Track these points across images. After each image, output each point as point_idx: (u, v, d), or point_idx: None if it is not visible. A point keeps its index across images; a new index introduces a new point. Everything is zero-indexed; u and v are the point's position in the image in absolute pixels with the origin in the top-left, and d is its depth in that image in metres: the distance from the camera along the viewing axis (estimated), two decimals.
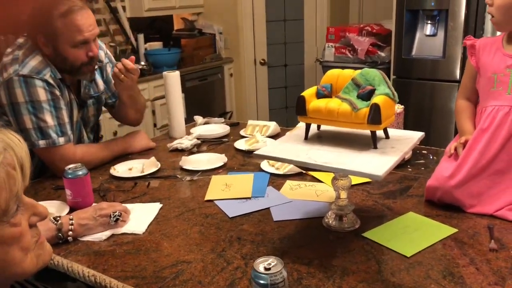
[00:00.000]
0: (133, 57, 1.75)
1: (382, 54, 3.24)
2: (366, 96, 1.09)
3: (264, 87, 4.49)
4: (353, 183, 1.41)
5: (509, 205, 1.21)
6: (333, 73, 1.21)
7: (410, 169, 1.58)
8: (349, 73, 1.18)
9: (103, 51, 1.80)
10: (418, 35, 3.15)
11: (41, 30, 1.53)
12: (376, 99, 1.07)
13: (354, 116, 1.08)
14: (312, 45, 4.30)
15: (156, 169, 1.63)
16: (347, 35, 3.34)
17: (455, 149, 1.33)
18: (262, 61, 4.37)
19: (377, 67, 3.22)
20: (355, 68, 1.21)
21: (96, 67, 1.73)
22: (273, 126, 1.97)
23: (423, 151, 1.74)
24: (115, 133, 3.16)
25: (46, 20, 1.50)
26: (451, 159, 1.32)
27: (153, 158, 1.66)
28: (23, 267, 0.65)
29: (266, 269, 0.84)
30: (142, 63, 3.63)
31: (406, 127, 1.76)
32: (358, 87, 1.13)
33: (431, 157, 1.69)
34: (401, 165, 1.59)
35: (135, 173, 1.61)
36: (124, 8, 3.78)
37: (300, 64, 4.43)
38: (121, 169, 1.64)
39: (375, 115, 1.05)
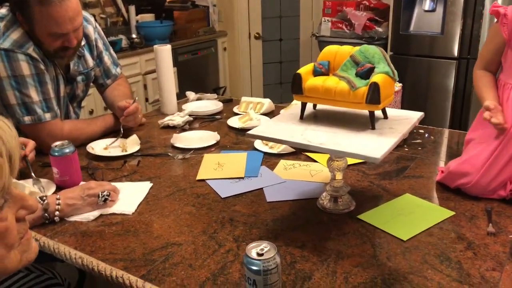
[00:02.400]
0: (127, 105, 1.67)
1: (380, 30, 3.17)
2: (365, 74, 1.05)
3: (259, 62, 4.41)
4: (348, 163, 1.38)
5: None
6: (330, 50, 1.16)
7: (406, 149, 1.55)
8: (347, 49, 1.13)
9: (91, 25, 1.73)
10: (416, 10, 3.07)
11: (19, 10, 1.45)
12: (376, 77, 1.02)
13: (352, 95, 1.04)
14: (308, 19, 4.21)
15: (138, 147, 1.58)
16: (344, 10, 3.26)
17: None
18: (257, 35, 4.28)
19: (374, 43, 3.16)
20: (352, 44, 1.17)
21: (83, 43, 1.66)
22: (267, 103, 1.92)
23: (420, 130, 1.71)
24: (105, 108, 3.09)
25: (24, 2, 1.41)
26: (483, 149, 1.23)
27: (134, 136, 1.61)
28: (5, 265, 0.60)
29: (258, 254, 0.81)
30: (134, 35, 3.54)
31: (403, 105, 1.72)
32: (357, 65, 1.09)
33: (427, 136, 1.65)
34: (397, 145, 1.56)
35: (115, 152, 1.55)
36: None
37: (296, 38, 4.35)
38: (97, 148, 1.58)
39: (374, 95, 1.00)
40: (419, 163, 1.44)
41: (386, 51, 3.15)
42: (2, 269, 0.60)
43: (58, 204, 1.15)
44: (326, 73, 1.13)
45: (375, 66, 1.06)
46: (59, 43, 1.48)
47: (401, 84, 1.63)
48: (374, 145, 0.98)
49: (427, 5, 2.99)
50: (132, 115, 1.67)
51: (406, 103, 2.15)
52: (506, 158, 1.17)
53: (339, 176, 1.17)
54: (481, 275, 0.92)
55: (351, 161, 1.39)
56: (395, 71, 1.07)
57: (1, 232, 0.58)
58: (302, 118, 1.15)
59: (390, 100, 1.08)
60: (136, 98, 1.74)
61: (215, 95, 2.17)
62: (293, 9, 4.23)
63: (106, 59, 1.80)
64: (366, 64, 1.07)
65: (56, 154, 1.29)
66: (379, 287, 0.90)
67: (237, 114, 1.91)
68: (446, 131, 1.78)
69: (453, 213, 1.15)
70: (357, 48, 1.12)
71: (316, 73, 1.12)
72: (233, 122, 1.80)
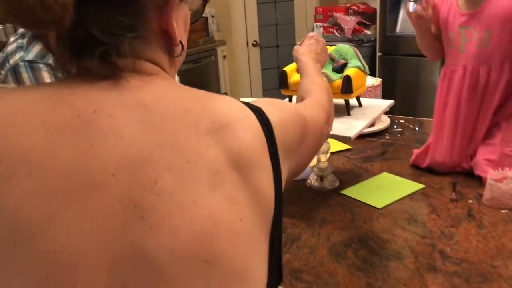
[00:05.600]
0: None
1: (368, 32, 3.36)
2: (340, 69, 1.24)
3: (257, 68, 4.61)
4: (335, 150, 1.58)
5: (485, 159, 1.31)
6: None
7: (387, 137, 1.74)
8: None
9: None
10: (401, 12, 3.27)
11: None
12: (348, 71, 1.21)
13: (330, 87, 1.22)
14: (302, 26, 4.41)
15: None
16: (334, 15, 3.46)
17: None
18: (254, 43, 4.49)
19: (363, 45, 3.35)
20: None
21: None
22: None
23: (401, 120, 1.89)
24: None
25: None
26: (441, 131, 1.40)
27: None
28: None
29: None
30: None
31: (396, 102, 1.90)
32: (333, 61, 1.28)
33: (407, 125, 1.84)
34: (379, 133, 1.75)
35: None
36: None
37: (292, 44, 4.54)
38: None
39: (347, 86, 1.19)
40: (398, 148, 1.63)
41: (375, 52, 3.34)
42: None
43: None
44: None
45: (348, 62, 1.25)
46: None
47: (380, 79, 1.82)
48: (348, 127, 1.16)
49: (411, 7, 3.17)
50: None
51: (398, 100, 2.29)
52: (459, 136, 1.35)
53: (323, 158, 1.35)
54: (441, 231, 1.10)
55: (337, 147, 1.58)
56: (366, 66, 1.26)
57: None
58: None
59: (362, 90, 1.27)
60: None
61: None
62: (288, 16, 4.44)
63: None
64: (341, 60, 1.26)
65: None
66: (356, 243, 1.08)
67: None
68: (424, 120, 1.96)
69: (423, 186, 1.33)
70: (333, 47, 1.31)
71: None
72: None
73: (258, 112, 0.57)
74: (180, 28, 0.58)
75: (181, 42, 0.57)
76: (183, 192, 0.46)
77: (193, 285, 0.45)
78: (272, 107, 0.61)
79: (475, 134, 1.35)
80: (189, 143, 0.49)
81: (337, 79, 1.22)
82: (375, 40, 3.35)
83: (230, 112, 0.54)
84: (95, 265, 0.44)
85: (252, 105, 0.59)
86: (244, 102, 0.59)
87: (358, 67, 1.23)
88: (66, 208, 0.43)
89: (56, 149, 0.45)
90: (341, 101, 1.27)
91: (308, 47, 1.11)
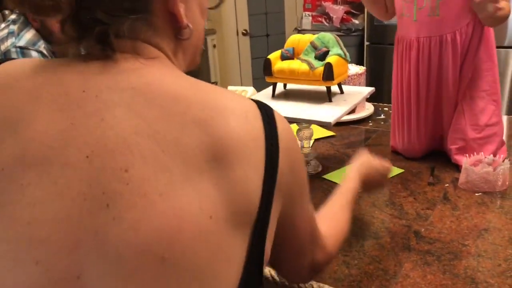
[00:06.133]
0: None
1: (356, 22, 3.39)
2: (322, 56, 1.27)
3: (247, 57, 4.63)
4: (319, 136, 1.62)
5: (455, 146, 1.35)
6: (294, 38, 1.39)
7: (371, 124, 1.78)
8: (308, 37, 1.36)
9: None
10: None
11: None
12: (330, 59, 1.24)
13: (312, 74, 1.26)
14: (292, 15, 4.43)
15: None
16: (323, 4, 3.48)
17: None
18: (244, 32, 4.50)
19: (351, 34, 3.39)
20: None
21: None
22: (251, 91, 2.14)
23: (385, 108, 1.94)
24: None
25: None
26: (401, 117, 1.44)
27: None
28: None
29: None
30: None
31: (383, 91, 1.94)
32: (316, 49, 1.31)
33: (391, 113, 1.88)
34: (363, 120, 1.79)
35: None
36: None
37: (282, 33, 4.57)
38: None
39: (328, 73, 1.23)
40: (380, 134, 1.67)
41: (363, 42, 3.38)
42: None
43: None
44: (291, 58, 1.35)
45: (329, 50, 1.28)
46: None
47: (364, 67, 1.86)
48: (329, 112, 1.20)
49: None
50: None
51: (386, 89, 2.30)
52: (423, 120, 1.39)
53: (306, 144, 1.39)
54: (416, 213, 1.15)
55: (321, 134, 1.62)
56: (347, 53, 1.30)
57: None
58: (273, 96, 1.38)
59: (343, 77, 1.31)
60: None
61: None
62: (278, 5, 4.45)
63: None
64: (323, 48, 1.29)
65: None
66: None
67: None
68: None
69: (402, 170, 1.37)
70: (316, 35, 1.34)
71: (283, 58, 1.35)
72: None
73: (265, 110, 0.53)
74: (194, 12, 0.57)
75: (188, 25, 0.54)
76: (152, 183, 0.44)
77: (147, 280, 0.44)
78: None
79: (443, 115, 1.37)
80: (170, 133, 0.46)
81: (319, 66, 1.25)
82: (363, 29, 3.38)
83: (225, 102, 0.50)
84: (57, 245, 0.44)
85: (262, 102, 0.55)
86: (254, 100, 0.55)
87: (339, 55, 1.26)
88: (39, 181, 0.44)
89: (39, 122, 0.46)
90: (322, 88, 1.30)
91: (372, 170, 1.01)
